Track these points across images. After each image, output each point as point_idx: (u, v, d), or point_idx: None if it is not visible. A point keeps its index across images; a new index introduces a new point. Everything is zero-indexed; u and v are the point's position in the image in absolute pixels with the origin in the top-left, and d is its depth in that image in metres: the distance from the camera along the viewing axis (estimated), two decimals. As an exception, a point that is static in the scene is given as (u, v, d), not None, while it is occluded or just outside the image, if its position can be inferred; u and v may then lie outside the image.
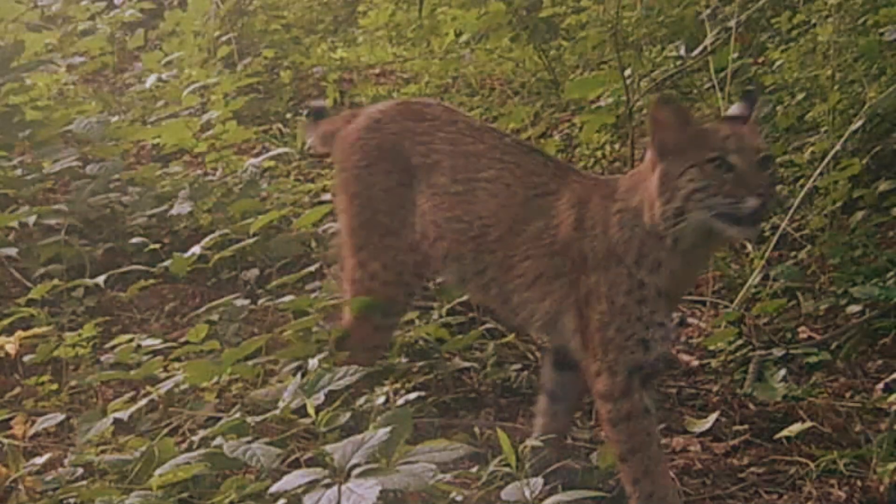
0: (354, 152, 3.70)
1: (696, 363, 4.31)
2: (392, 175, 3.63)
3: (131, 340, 4.21)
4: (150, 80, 7.36)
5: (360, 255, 3.73)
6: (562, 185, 3.43)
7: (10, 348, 4.18)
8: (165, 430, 3.69)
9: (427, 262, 3.67)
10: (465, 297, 4.34)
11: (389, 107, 3.75)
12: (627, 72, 5.41)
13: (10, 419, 3.90)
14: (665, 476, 3.23)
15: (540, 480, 3.15)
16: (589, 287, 3.28)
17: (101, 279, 4.68)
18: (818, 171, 4.64)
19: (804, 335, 4.36)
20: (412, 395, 3.77)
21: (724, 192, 3.09)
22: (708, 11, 5.56)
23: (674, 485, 3.27)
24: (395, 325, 3.88)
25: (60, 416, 3.80)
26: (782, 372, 4.02)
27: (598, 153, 5.78)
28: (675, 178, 3.13)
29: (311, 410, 3.45)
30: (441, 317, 4.31)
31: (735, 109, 3.41)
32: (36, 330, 4.28)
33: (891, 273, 4.33)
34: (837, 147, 4.61)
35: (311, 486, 2.99)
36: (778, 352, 4.20)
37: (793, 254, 4.71)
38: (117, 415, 3.70)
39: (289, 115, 6.97)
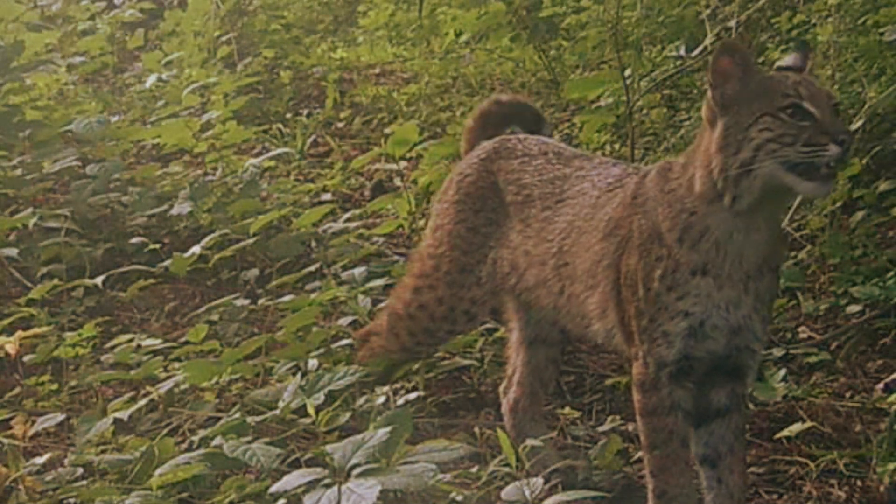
0: (451, 186, 3.67)
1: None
2: (481, 214, 3.58)
3: (131, 340, 4.22)
4: (150, 80, 7.38)
5: (420, 281, 3.68)
6: (635, 177, 3.28)
7: (10, 348, 4.18)
8: (165, 430, 3.69)
9: (485, 302, 3.61)
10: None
11: (490, 144, 3.67)
12: (627, 72, 5.41)
13: (10, 419, 3.91)
14: (682, 475, 3.14)
15: (540, 480, 3.15)
16: (629, 268, 3.13)
17: (100, 279, 4.69)
18: (818, 170, 4.63)
19: (804, 335, 4.36)
20: (412, 395, 3.78)
21: (802, 140, 2.90)
22: (708, 11, 5.56)
23: (692, 484, 3.19)
24: (420, 353, 3.82)
25: (60, 416, 3.81)
26: (782, 372, 4.02)
27: (598, 153, 5.79)
28: (744, 129, 2.94)
29: (311, 410, 3.46)
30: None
31: (789, 61, 3.22)
32: (36, 330, 4.29)
33: (891, 273, 4.33)
34: (837, 147, 4.61)
35: (311, 486, 2.99)
36: (778, 352, 4.20)
37: (793, 254, 4.70)
38: (117, 415, 3.71)
39: (289, 115, 6.97)
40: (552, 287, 3.39)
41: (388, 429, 3.13)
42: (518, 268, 3.48)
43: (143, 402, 3.81)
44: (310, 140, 6.60)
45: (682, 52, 5.81)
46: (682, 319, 3.06)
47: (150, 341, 4.21)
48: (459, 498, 3.19)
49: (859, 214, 4.71)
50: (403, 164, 5.82)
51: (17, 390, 4.19)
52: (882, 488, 3.44)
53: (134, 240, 5.17)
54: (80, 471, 3.51)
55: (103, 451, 3.59)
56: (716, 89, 3.02)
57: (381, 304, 4.13)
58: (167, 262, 4.89)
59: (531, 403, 3.65)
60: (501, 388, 3.71)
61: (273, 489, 3.05)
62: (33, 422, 3.81)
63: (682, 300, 3.06)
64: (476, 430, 3.64)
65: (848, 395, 3.99)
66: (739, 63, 3.01)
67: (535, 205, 3.47)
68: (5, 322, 4.43)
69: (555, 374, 3.74)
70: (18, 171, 5.69)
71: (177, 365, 4.08)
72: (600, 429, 3.81)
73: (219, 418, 3.68)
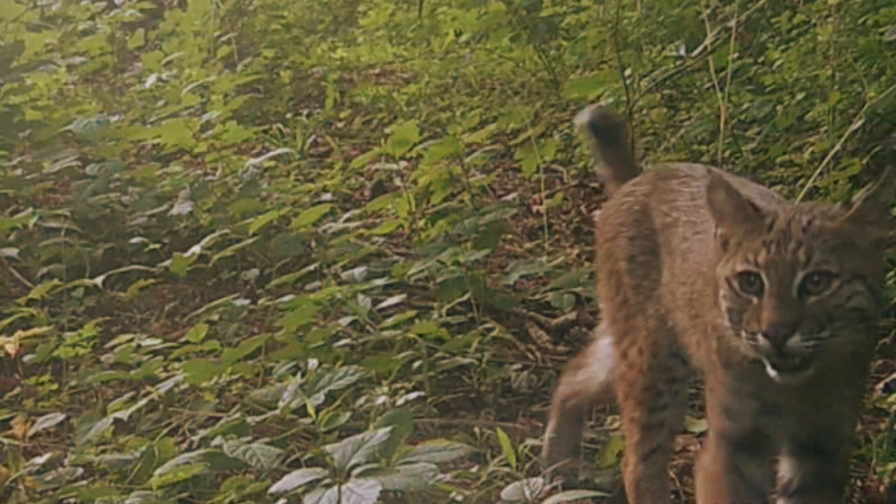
0: (605, 224, 3.21)
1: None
2: (635, 241, 3.09)
3: (131, 340, 4.21)
4: (150, 80, 7.38)
5: (623, 345, 3.17)
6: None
7: (10, 348, 4.18)
8: (165, 430, 3.69)
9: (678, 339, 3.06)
10: (465, 297, 4.35)
11: (647, 173, 3.29)
12: (627, 72, 5.41)
13: (10, 419, 3.91)
14: None
15: (540, 480, 3.15)
16: (709, 321, 2.70)
17: (100, 279, 4.69)
18: (818, 171, 4.63)
19: (804, 335, 4.35)
20: (412, 395, 3.77)
21: (743, 321, 2.42)
22: (708, 11, 5.56)
23: None
24: (663, 424, 3.17)
25: (60, 416, 3.80)
26: (782, 372, 4.00)
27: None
28: (720, 281, 2.51)
29: (311, 410, 3.46)
30: (441, 316, 4.30)
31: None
32: (36, 330, 4.29)
33: (891, 273, 4.33)
34: (837, 147, 4.61)
35: (311, 486, 2.99)
36: (779, 352, 4.19)
37: (793, 254, 4.70)
38: (117, 415, 3.71)
39: (289, 115, 6.97)
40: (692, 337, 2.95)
41: (388, 429, 3.13)
42: (668, 309, 3.04)
43: (143, 402, 3.80)
44: (310, 140, 6.60)
45: (682, 52, 5.82)
46: (743, 401, 2.64)
47: (150, 341, 4.20)
48: (459, 498, 3.19)
49: (859, 214, 4.70)
50: (403, 164, 5.81)
51: (17, 390, 4.19)
52: (882, 488, 3.44)
53: (134, 240, 5.16)
54: (80, 471, 3.51)
55: (103, 451, 3.59)
56: (717, 227, 2.60)
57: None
58: (167, 262, 4.89)
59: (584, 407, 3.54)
60: (565, 375, 3.52)
61: (273, 489, 3.05)
62: (33, 422, 3.81)
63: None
64: (476, 430, 3.64)
65: (848, 395, 3.98)
66: (731, 198, 2.56)
67: (678, 233, 2.99)
68: (5, 322, 4.43)
69: None
70: (18, 171, 5.69)
71: (177, 365, 4.08)
72: (600, 429, 3.81)
73: (219, 418, 3.68)
